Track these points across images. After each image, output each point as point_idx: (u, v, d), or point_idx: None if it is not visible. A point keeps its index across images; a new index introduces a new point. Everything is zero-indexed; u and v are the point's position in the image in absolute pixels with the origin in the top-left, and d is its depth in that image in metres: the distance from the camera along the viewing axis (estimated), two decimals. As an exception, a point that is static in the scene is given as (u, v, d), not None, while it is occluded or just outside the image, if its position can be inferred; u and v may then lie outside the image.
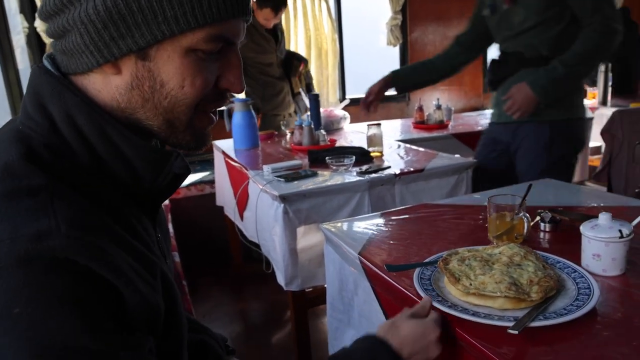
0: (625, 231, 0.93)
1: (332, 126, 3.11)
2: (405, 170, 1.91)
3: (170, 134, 0.65)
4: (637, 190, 1.64)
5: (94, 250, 0.52)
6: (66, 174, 0.57)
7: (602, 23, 1.71)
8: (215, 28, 0.60)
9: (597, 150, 3.86)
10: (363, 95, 2.24)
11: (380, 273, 1.02)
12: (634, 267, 0.97)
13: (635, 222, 0.96)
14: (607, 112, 3.63)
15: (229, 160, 2.46)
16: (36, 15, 2.63)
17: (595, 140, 3.57)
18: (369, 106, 2.14)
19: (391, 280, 0.98)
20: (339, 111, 3.24)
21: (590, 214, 1.25)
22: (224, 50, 0.64)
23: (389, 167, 1.96)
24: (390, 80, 2.14)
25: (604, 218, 0.95)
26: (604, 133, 2.90)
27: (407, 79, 2.22)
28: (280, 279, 1.81)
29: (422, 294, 0.87)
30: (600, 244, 0.94)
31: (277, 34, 3.26)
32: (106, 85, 0.61)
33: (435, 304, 0.84)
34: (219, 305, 2.76)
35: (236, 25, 0.63)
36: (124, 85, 0.61)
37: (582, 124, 1.97)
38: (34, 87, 0.61)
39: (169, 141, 0.67)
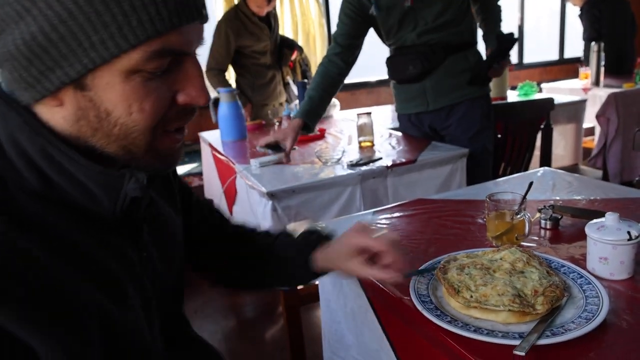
0: (635, 233, 0.87)
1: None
2: (398, 161, 1.84)
3: (130, 159, 0.59)
4: (637, 179, 1.58)
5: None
6: (9, 201, 0.52)
7: None
8: (156, 43, 0.53)
9: (590, 131, 3.82)
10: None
11: (373, 282, 0.96)
12: (642, 268, 0.92)
13: (644, 221, 0.90)
14: (600, 92, 3.57)
15: (216, 153, 2.38)
16: None
17: (588, 121, 3.52)
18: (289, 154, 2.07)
19: (386, 289, 0.92)
20: None
21: (593, 209, 1.19)
22: (178, 62, 0.57)
23: (380, 158, 1.89)
24: (302, 125, 2.05)
25: (611, 219, 0.90)
26: (599, 117, 2.85)
27: (316, 116, 2.14)
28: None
29: (419, 306, 0.81)
30: (607, 247, 0.88)
31: (270, 21, 3.16)
32: (53, 116, 0.56)
33: (434, 319, 0.77)
34: (210, 301, 2.70)
35: (185, 33, 0.55)
36: (70, 117, 0.56)
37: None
38: None
39: (132, 165, 0.61)
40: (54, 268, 0.52)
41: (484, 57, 2.10)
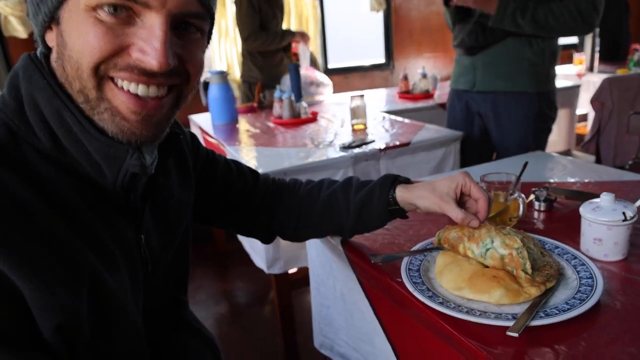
0: (630, 213, 0.85)
1: (311, 90, 2.99)
2: (391, 144, 1.82)
3: (90, 109, 0.59)
4: (630, 162, 1.57)
5: None
6: (19, 157, 0.55)
7: (584, 9, 1.74)
8: None
9: (583, 117, 3.81)
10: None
11: (365, 263, 0.94)
12: (636, 250, 0.91)
13: (639, 202, 0.89)
14: (594, 78, 3.56)
15: (207, 137, 2.35)
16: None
17: (582, 107, 3.51)
18: None
19: (376, 271, 0.90)
20: (319, 74, 3.13)
21: (587, 191, 1.18)
22: (143, 18, 0.56)
23: (373, 140, 1.87)
24: None
25: (606, 199, 0.88)
26: (593, 101, 2.83)
27: None
28: (261, 263, 1.73)
29: (410, 288, 0.80)
30: (602, 228, 0.87)
31: (281, 1, 3.14)
32: (53, 63, 0.60)
33: (425, 300, 0.76)
34: (202, 286, 2.68)
35: None
36: (55, 57, 0.59)
37: (555, 97, 2.03)
38: (15, 69, 0.61)
39: (97, 124, 0.60)
40: (53, 223, 0.54)
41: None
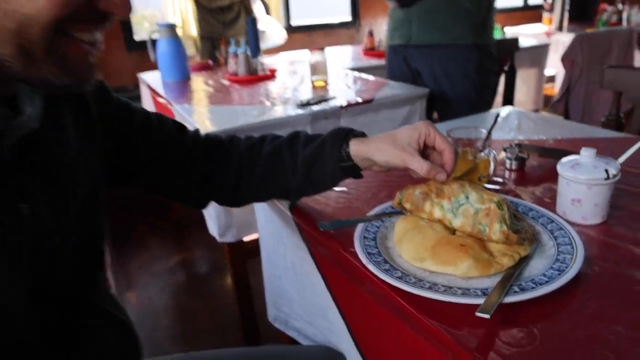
0: (612, 171, 0.75)
1: (264, 37, 2.84)
2: (353, 101, 1.68)
3: (28, 64, 0.48)
4: (603, 120, 1.49)
5: None
6: None
7: None
8: None
9: (551, 78, 3.74)
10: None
11: (314, 231, 0.82)
12: (617, 212, 0.81)
13: (623, 158, 0.79)
14: (564, 38, 3.48)
15: (156, 96, 2.16)
16: None
17: (551, 67, 3.43)
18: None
19: (326, 240, 0.78)
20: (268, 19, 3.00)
21: (561, 148, 1.08)
22: None
23: (334, 97, 1.73)
24: None
25: (586, 155, 0.77)
26: (564, 59, 2.75)
27: None
28: (213, 230, 1.60)
29: (364, 259, 0.68)
30: (581, 187, 0.76)
31: None
32: None
33: (381, 275, 0.64)
34: (157, 257, 2.55)
35: None
36: None
37: (495, 49, 1.95)
38: None
39: (31, 75, 0.50)
40: None
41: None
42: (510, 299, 0.58)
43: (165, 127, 0.80)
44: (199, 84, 2.21)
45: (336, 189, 0.96)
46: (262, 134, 0.85)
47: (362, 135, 0.78)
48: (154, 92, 2.20)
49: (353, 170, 0.76)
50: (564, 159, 0.80)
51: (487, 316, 0.53)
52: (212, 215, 1.55)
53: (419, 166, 0.70)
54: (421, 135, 0.72)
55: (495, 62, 1.96)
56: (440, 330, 0.57)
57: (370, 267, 0.66)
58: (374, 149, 0.73)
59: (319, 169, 0.76)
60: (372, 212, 0.81)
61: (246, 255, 1.69)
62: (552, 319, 0.57)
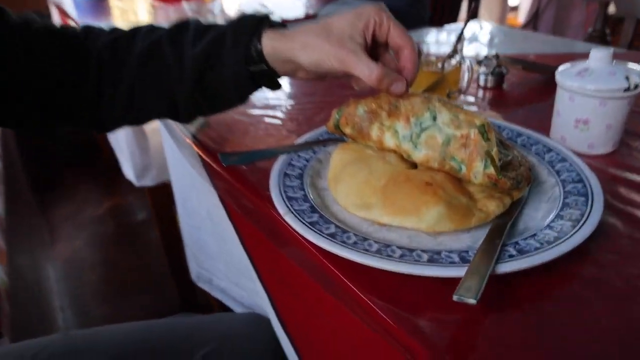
0: (636, 79, 0.54)
1: None
2: (293, 17, 1.42)
3: None
4: (588, 33, 1.29)
5: None
6: None
7: None
8: None
9: (514, 9, 3.53)
10: None
11: (221, 168, 0.57)
12: (628, 138, 0.61)
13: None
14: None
15: (66, 19, 1.80)
16: None
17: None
18: None
19: (235, 180, 0.54)
20: None
21: (548, 63, 0.86)
22: None
23: (271, 12, 1.44)
24: None
25: (599, 57, 0.55)
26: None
27: None
28: (129, 173, 1.33)
29: (281, 209, 0.45)
30: (591, 103, 0.55)
31: None
32: None
33: (306, 233, 0.41)
34: (85, 207, 2.27)
35: None
36: None
37: None
38: None
39: None
40: None
41: None
42: (503, 268, 0.36)
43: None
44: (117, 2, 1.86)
45: (255, 110, 0.72)
46: (137, 25, 0.58)
47: (282, 26, 0.53)
48: (62, 13, 1.84)
49: (267, 77, 0.52)
50: (566, 65, 0.58)
51: (473, 302, 0.32)
52: (125, 153, 1.28)
53: (366, 70, 0.46)
54: (369, 25, 0.48)
55: None
56: (395, 321, 0.35)
57: (290, 219, 0.43)
58: (299, 46, 0.48)
59: (215, 75, 0.51)
60: (299, 141, 0.57)
61: (172, 201, 1.44)
62: (561, 296, 0.37)
